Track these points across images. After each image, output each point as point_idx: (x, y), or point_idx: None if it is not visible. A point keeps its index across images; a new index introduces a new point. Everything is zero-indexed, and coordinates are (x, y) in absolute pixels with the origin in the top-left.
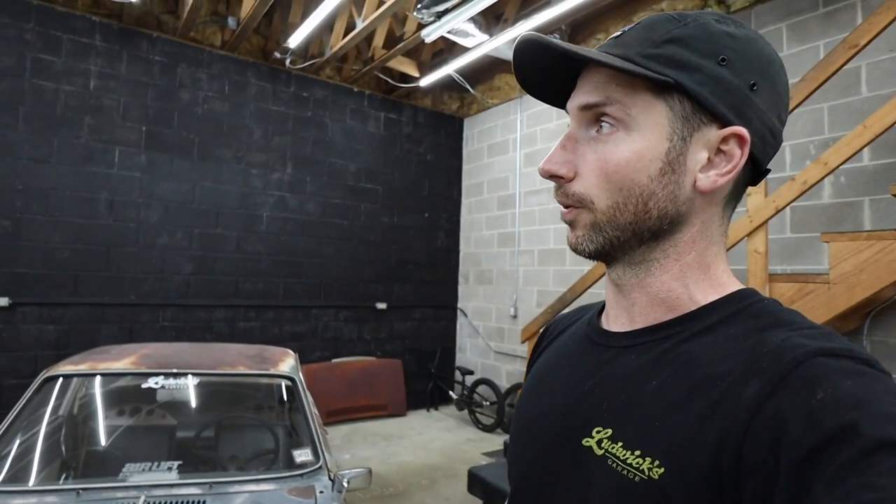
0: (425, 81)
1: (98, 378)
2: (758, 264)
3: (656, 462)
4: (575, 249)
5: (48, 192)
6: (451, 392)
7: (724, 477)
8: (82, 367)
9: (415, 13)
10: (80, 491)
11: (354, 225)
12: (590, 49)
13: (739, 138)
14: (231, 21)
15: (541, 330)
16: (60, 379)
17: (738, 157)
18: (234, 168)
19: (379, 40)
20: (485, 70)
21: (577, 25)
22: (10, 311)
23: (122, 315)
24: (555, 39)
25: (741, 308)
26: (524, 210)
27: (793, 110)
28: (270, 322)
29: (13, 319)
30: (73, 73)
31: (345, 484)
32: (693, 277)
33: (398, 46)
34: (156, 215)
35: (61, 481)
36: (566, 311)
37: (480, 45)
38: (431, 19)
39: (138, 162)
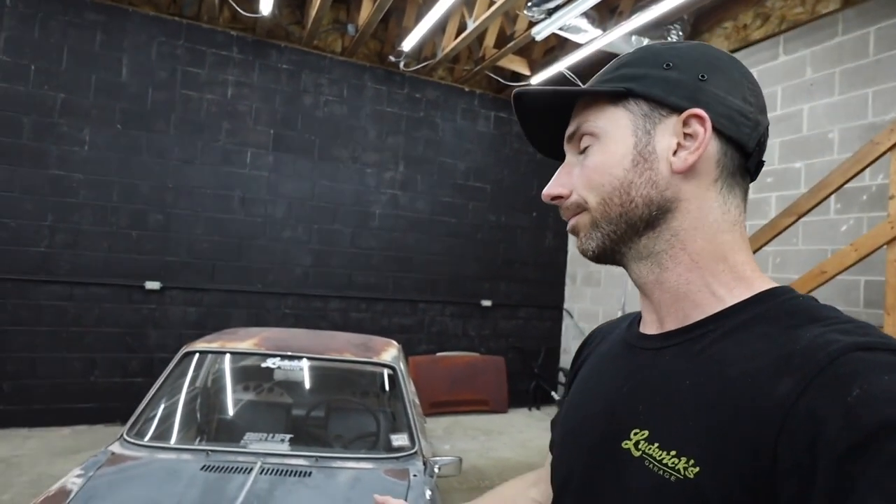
0: (536, 79)
1: (227, 355)
2: None
3: (691, 461)
4: (582, 253)
5: (192, 189)
6: (553, 393)
7: (759, 476)
8: (214, 346)
9: (525, 11)
10: (210, 452)
11: (463, 223)
12: (565, 87)
13: (699, 118)
14: (350, 28)
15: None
16: (196, 354)
17: (703, 134)
18: (350, 167)
19: (490, 40)
20: (598, 66)
21: (701, 15)
22: (160, 293)
23: (250, 301)
24: (538, 87)
25: (774, 305)
26: None
27: None
28: (380, 314)
29: (163, 301)
30: (215, 83)
31: (436, 470)
32: (710, 269)
33: (509, 45)
34: (280, 211)
35: (196, 443)
36: (610, 319)
37: (593, 40)
38: (542, 16)
39: (266, 162)
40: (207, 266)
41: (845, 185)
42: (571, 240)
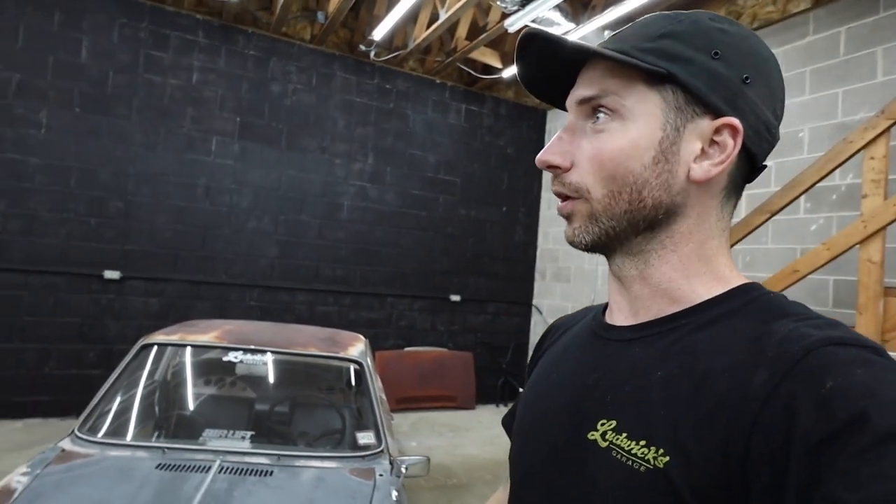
0: (508, 72)
1: (188, 348)
2: (871, 275)
3: (661, 451)
4: (571, 242)
5: (154, 177)
6: (521, 389)
7: (730, 466)
8: (173, 338)
9: (498, 2)
10: (166, 450)
11: (432, 216)
12: (588, 44)
13: (732, 129)
14: (320, 15)
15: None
16: (155, 347)
17: (731, 147)
18: (318, 157)
19: (462, 31)
20: None
21: (674, 10)
22: (120, 283)
23: (214, 292)
24: (555, 34)
25: (747, 301)
26: None
27: None
28: (347, 308)
29: (123, 291)
30: (179, 68)
31: (403, 470)
32: (694, 270)
33: (481, 37)
34: (246, 201)
35: (152, 439)
36: (572, 312)
37: (566, 34)
38: (515, 8)
39: (232, 150)
40: (170, 256)
41: (816, 185)
42: (541, 235)
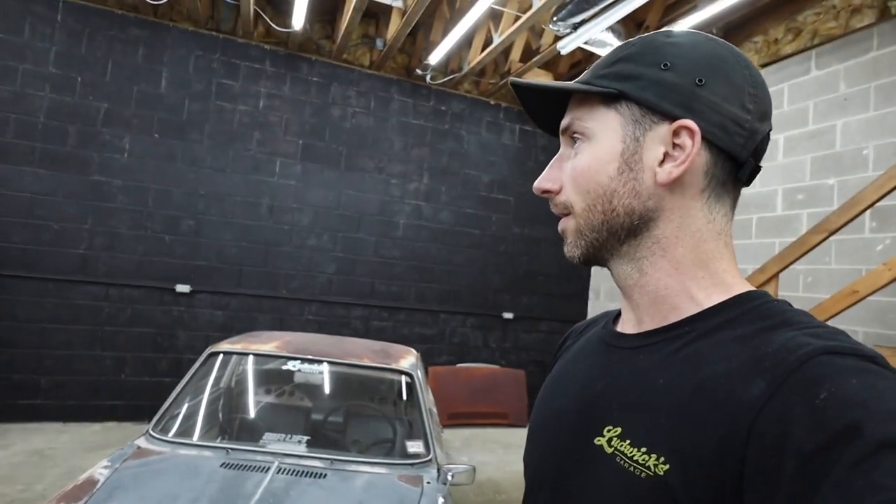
0: None
1: (251, 357)
2: None
3: (661, 459)
4: (570, 259)
5: (223, 196)
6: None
7: (727, 475)
8: (237, 347)
9: (551, 26)
10: (230, 450)
11: (485, 235)
12: (559, 82)
13: (688, 130)
14: (379, 42)
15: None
16: (221, 355)
17: (690, 146)
18: (375, 178)
19: (516, 54)
20: None
21: (731, 29)
22: (190, 296)
23: (274, 306)
24: (533, 81)
25: (749, 309)
26: None
27: None
28: (401, 323)
29: (192, 304)
30: (247, 95)
31: (449, 477)
32: (690, 275)
33: (534, 59)
34: (306, 219)
35: (217, 440)
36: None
37: None
38: (568, 31)
39: (294, 171)
40: (235, 271)
41: (881, 203)
42: None
